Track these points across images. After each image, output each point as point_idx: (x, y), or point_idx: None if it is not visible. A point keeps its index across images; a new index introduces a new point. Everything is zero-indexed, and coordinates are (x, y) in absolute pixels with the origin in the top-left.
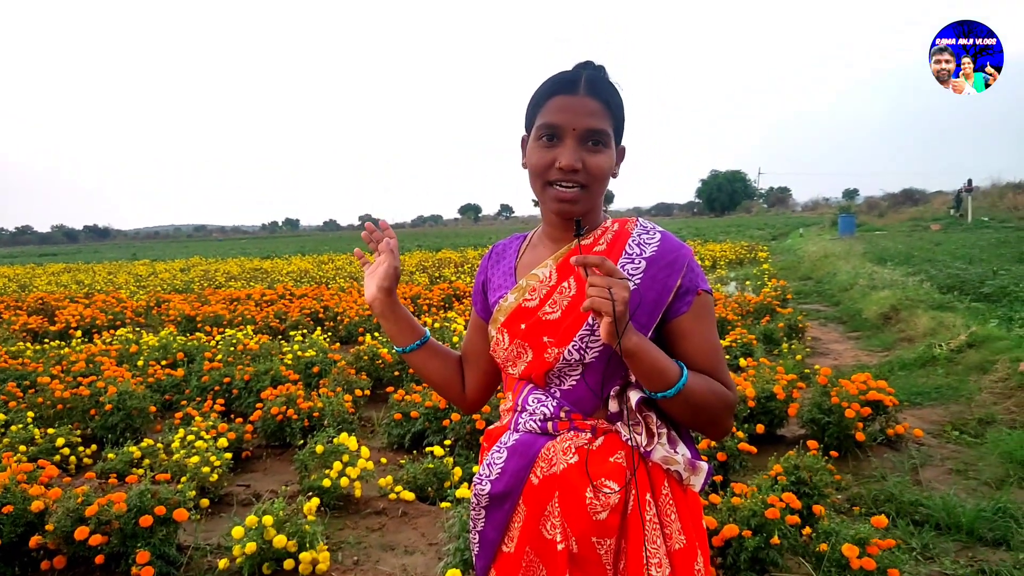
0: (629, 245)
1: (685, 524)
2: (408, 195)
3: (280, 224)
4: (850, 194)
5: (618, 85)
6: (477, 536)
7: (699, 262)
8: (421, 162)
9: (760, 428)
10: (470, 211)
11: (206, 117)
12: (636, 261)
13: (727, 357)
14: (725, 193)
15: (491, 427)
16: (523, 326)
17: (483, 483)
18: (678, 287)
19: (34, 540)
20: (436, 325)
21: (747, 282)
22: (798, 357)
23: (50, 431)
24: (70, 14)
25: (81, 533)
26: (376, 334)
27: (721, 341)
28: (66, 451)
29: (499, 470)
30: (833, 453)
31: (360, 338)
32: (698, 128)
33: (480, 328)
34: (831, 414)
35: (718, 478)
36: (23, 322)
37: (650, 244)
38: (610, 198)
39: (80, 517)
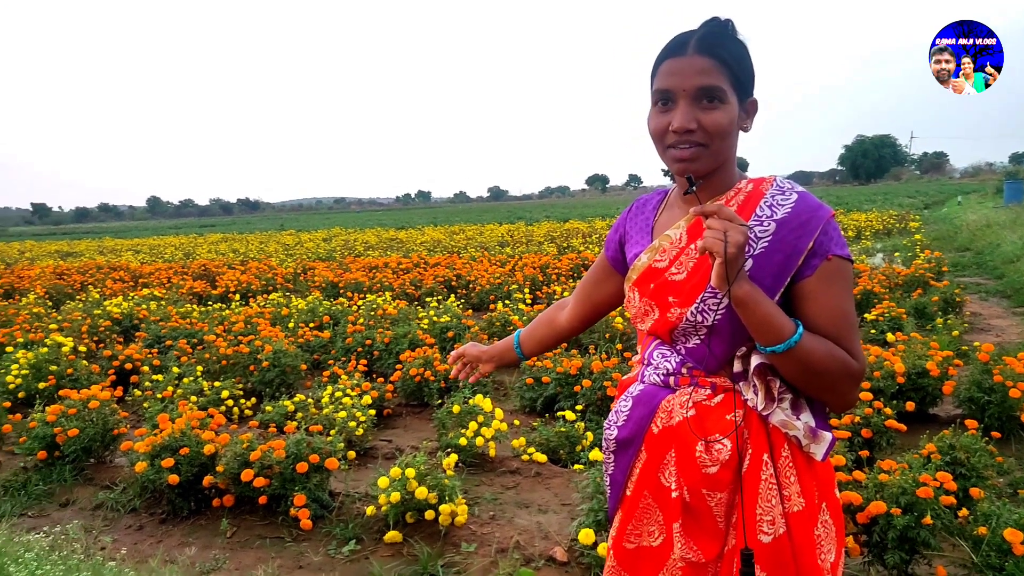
0: (760, 207)
1: (805, 488)
2: (535, 166)
3: (413, 196)
4: (1018, 158)
5: (744, 38)
6: (608, 479)
7: (841, 232)
8: (549, 133)
9: (910, 406)
10: (597, 182)
11: (344, 96)
12: (765, 223)
13: (872, 332)
14: (871, 159)
15: (624, 377)
16: (652, 286)
17: (611, 429)
18: (809, 250)
19: (207, 480)
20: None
21: (896, 253)
22: (955, 333)
23: (216, 384)
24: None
25: (247, 475)
26: (507, 302)
27: (866, 315)
28: (230, 403)
29: (625, 417)
30: (995, 435)
31: (492, 305)
32: (842, 89)
33: (598, 271)
34: (992, 393)
35: (864, 453)
36: (189, 286)
37: (784, 205)
38: (743, 166)
39: (245, 461)
